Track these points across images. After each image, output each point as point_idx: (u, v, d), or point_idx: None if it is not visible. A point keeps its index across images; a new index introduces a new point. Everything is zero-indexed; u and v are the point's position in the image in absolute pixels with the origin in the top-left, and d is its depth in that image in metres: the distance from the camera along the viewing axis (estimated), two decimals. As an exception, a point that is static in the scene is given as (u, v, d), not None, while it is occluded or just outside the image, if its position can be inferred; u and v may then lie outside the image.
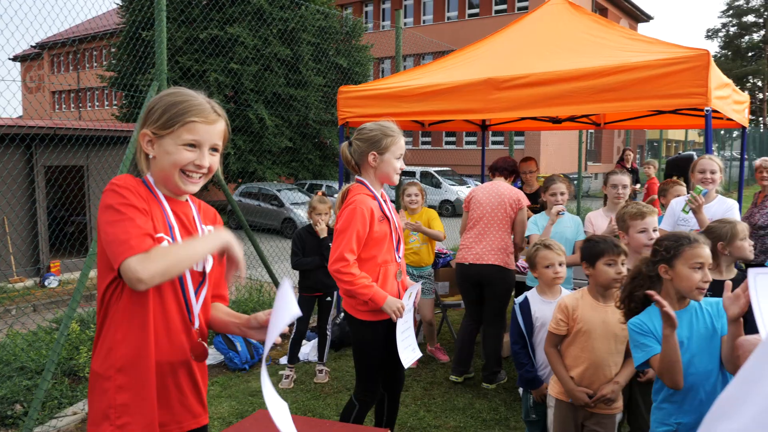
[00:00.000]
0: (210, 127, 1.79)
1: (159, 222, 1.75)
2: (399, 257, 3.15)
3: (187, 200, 1.92)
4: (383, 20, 32.11)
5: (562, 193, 4.47)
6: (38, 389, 3.97)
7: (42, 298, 8.81)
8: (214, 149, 1.82)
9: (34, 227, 9.90)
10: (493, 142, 25.71)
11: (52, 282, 10.18)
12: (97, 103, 37.05)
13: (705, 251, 2.31)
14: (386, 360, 3.19)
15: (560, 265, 3.25)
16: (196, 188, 1.83)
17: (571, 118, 7.37)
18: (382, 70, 30.74)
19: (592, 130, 28.13)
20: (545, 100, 4.60)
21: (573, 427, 2.89)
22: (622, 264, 2.82)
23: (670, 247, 2.37)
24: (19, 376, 4.40)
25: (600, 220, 4.28)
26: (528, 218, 4.76)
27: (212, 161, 1.82)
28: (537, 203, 5.69)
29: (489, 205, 4.77)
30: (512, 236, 4.83)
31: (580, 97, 4.41)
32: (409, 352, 3.11)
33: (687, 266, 2.30)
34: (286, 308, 1.69)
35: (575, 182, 14.82)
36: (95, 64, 33.30)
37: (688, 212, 3.78)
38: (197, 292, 1.85)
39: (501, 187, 4.85)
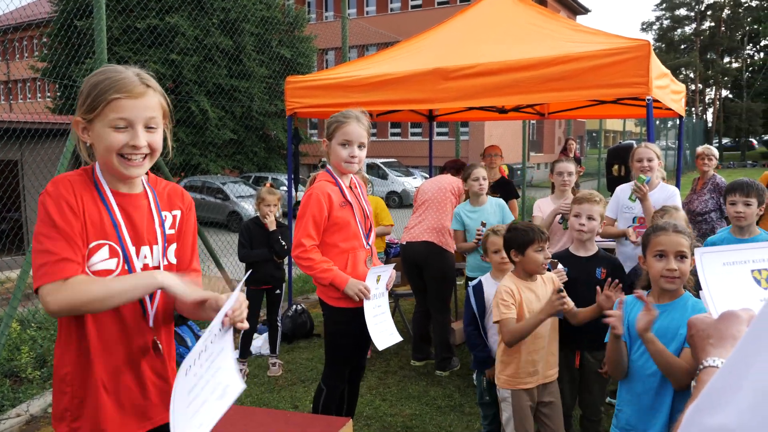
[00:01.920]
0: (138, 101, 1.63)
1: (97, 225, 1.66)
2: (368, 243, 3.15)
3: (144, 189, 1.79)
4: (326, 11, 31.87)
5: (483, 178, 4.62)
6: (-22, 392, 3.80)
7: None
8: (150, 126, 1.67)
9: (-36, 225, 9.40)
10: (439, 134, 25.96)
11: (-15, 282, 9.71)
12: (29, 95, 35.34)
13: (668, 239, 2.26)
14: (354, 349, 3.19)
15: None
16: (140, 171, 1.71)
17: (517, 108, 7.51)
18: (326, 61, 30.52)
19: (534, 121, 28.77)
20: (493, 89, 4.66)
21: (530, 411, 2.93)
22: (547, 249, 2.94)
23: (643, 238, 2.40)
24: (-44, 378, 4.20)
25: (547, 207, 4.40)
26: None
27: (151, 139, 1.67)
28: (496, 193, 5.82)
29: (430, 192, 4.99)
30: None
31: (527, 87, 4.49)
32: (385, 336, 3.11)
33: (651, 255, 2.31)
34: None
35: (519, 172, 15.14)
36: (26, 55, 31.72)
37: (634, 200, 3.91)
38: (152, 295, 1.77)
39: (444, 177, 5.12)
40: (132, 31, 17.31)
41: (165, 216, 1.82)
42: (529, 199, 14.17)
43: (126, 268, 1.69)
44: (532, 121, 27.30)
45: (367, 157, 3.32)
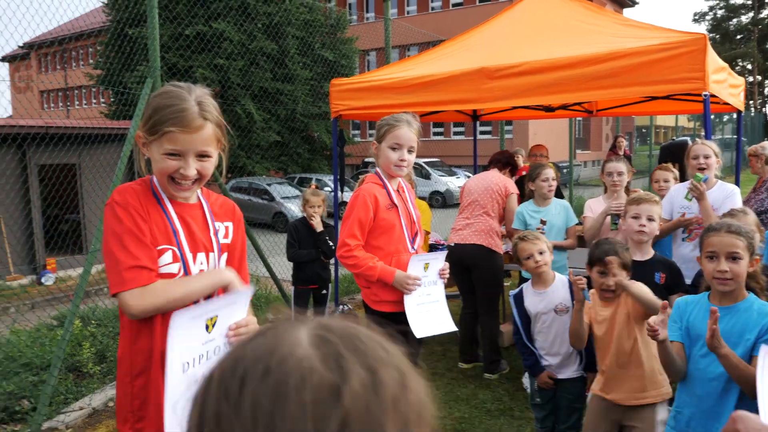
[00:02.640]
0: (192, 136, 1.67)
1: (161, 231, 1.73)
2: (414, 248, 3.13)
3: (198, 200, 1.88)
4: (367, 12, 31.97)
5: (553, 179, 4.53)
6: (45, 385, 4.00)
7: (37, 295, 8.78)
8: (202, 155, 1.73)
9: (29, 226, 9.89)
10: (482, 132, 25.72)
11: (48, 279, 10.17)
12: (85, 102, 36.75)
13: (719, 239, 2.19)
14: None
15: (540, 254, 3.23)
16: (189, 194, 1.79)
17: (564, 106, 7.39)
18: (368, 62, 30.63)
19: (581, 118, 28.23)
20: (539, 88, 4.59)
21: (605, 421, 2.84)
22: (614, 275, 2.72)
23: (699, 239, 2.34)
24: (24, 372, 4.43)
25: (598, 208, 4.31)
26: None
27: (201, 167, 1.74)
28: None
29: (476, 192, 4.91)
30: (503, 224, 4.93)
31: (575, 85, 4.40)
32: (433, 324, 3.05)
33: (704, 256, 2.25)
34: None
35: (566, 170, 14.86)
36: (82, 63, 32.99)
37: (690, 200, 3.79)
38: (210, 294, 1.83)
39: (490, 176, 5.00)
40: (180, 38, 17.76)
41: (219, 226, 1.90)
42: (577, 198, 13.92)
43: (184, 273, 1.76)
44: (578, 118, 26.81)
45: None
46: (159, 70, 4.71)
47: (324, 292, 5.14)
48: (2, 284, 9.56)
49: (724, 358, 2.04)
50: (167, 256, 1.74)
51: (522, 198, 5.19)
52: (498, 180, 4.93)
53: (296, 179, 18.96)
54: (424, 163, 21.45)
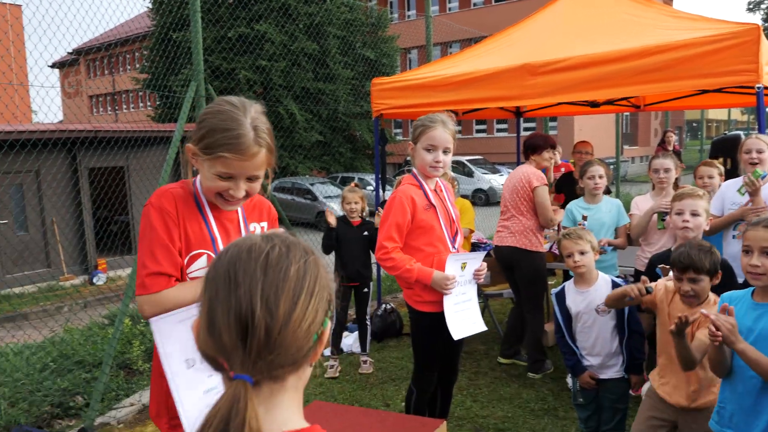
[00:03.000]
0: (245, 162, 1.68)
1: (198, 236, 1.77)
2: (454, 248, 3.11)
3: None
4: (408, 9, 31.92)
5: (600, 176, 4.40)
6: (98, 382, 4.15)
7: (89, 295, 9.11)
8: (252, 178, 1.74)
9: (80, 227, 10.29)
10: (525, 129, 25.30)
11: (100, 279, 10.55)
12: (132, 105, 37.83)
13: (754, 234, 2.19)
14: (442, 351, 3.18)
15: (581, 254, 3.12)
16: (236, 207, 1.84)
17: (610, 101, 7.21)
18: (410, 60, 30.59)
19: (628, 113, 27.53)
20: (584, 83, 4.50)
21: (655, 418, 2.74)
22: (692, 281, 2.51)
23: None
24: (78, 369, 4.59)
25: (645, 205, 4.20)
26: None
27: (250, 188, 1.76)
28: (562, 191, 5.68)
29: (507, 191, 4.85)
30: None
31: (622, 80, 4.29)
32: (467, 324, 3.07)
33: (742, 250, 2.25)
34: None
35: (613, 167, 14.54)
36: (129, 67, 33.99)
37: (744, 194, 3.65)
38: None
39: (516, 173, 4.84)
40: (223, 40, 18.11)
41: (254, 227, 1.94)
42: (624, 195, 13.61)
43: None
44: (626, 113, 26.14)
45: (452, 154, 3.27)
46: (203, 72, 4.80)
47: (365, 290, 5.15)
48: (56, 284, 9.96)
49: (742, 353, 2.06)
50: (202, 260, 1.78)
51: (570, 195, 5.06)
52: (522, 176, 4.73)
53: (339, 179, 19.09)
54: (467, 160, 21.31)
